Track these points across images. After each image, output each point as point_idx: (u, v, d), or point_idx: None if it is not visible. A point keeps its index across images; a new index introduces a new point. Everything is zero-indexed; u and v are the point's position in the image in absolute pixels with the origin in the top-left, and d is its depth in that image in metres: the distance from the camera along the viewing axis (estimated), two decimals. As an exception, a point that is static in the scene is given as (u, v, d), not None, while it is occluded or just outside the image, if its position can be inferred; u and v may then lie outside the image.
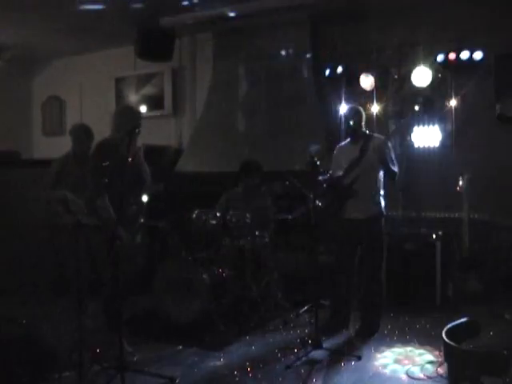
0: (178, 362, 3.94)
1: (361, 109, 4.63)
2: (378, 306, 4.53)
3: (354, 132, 4.53)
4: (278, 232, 5.17)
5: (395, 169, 4.41)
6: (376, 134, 4.57)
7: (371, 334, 4.43)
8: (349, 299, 4.61)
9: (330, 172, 4.59)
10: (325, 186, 4.51)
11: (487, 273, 5.40)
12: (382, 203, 4.51)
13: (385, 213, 4.55)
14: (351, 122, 4.49)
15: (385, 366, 3.79)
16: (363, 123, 4.55)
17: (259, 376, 3.67)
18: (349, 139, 4.64)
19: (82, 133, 4.50)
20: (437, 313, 4.93)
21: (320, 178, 4.48)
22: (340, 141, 4.96)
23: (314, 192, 4.29)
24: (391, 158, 4.41)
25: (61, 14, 6.39)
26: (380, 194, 4.49)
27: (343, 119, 4.54)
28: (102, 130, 4.23)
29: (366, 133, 4.54)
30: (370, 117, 5.70)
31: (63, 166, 4.48)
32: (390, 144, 4.48)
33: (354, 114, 4.53)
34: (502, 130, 5.72)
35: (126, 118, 3.90)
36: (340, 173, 4.49)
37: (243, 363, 3.89)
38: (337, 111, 6.18)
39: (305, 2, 5.96)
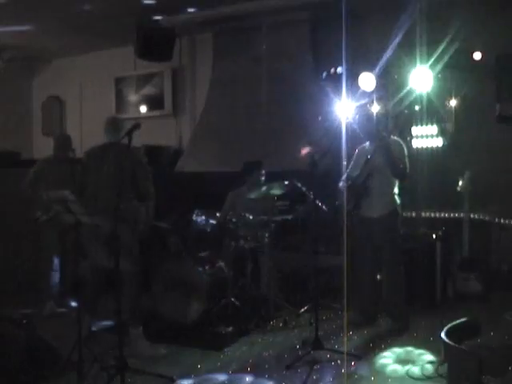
0: (178, 361, 3.93)
1: (378, 112, 4.77)
2: (398, 303, 4.57)
3: (370, 134, 4.61)
4: (278, 232, 5.17)
5: (402, 169, 4.45)
6: (394, 137, 4.64)
7: (398, 332, 4.45)
8: (373, 295, 4.71)
9: (348, 171, 4.72)
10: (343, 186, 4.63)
11: (487, 273, 5.40)
12: (397, 202, 4.58)
13: (400, 211, 4.62)
14: (367, 125, 4.62)
15: (385, 366, 3.79)
16: (379, 126, 4.61)
17: (259, 376, 3.66)
18: (368, 142, 4.71)
19: (65, 141, 5.17)
20: (437, 313, 4.93)
21: (340, 184, 4.66)
22: (340, 141, 4.96)
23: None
24: (400, 157, 4.44)
25: (61, 14, 6.39)
26: (394, 193, 4.56)
27: (360, 122, 4.65)
28: (101, 130, 4.25)
29: (382, 134, 4.59)
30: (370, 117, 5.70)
31: (43, 167, 5.02)
32: (403, 146, 4.56)
33: (369, 117, 4.67)
34: (502, 130, 5.72)
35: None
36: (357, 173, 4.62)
37: (243, 363, 3.89)
38: (337, 111, 6.17)
39: (305, 2, 5.96)
